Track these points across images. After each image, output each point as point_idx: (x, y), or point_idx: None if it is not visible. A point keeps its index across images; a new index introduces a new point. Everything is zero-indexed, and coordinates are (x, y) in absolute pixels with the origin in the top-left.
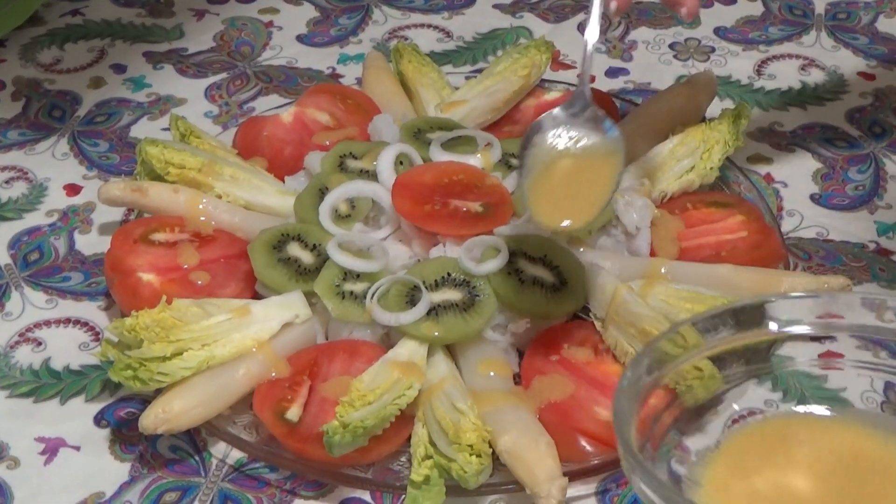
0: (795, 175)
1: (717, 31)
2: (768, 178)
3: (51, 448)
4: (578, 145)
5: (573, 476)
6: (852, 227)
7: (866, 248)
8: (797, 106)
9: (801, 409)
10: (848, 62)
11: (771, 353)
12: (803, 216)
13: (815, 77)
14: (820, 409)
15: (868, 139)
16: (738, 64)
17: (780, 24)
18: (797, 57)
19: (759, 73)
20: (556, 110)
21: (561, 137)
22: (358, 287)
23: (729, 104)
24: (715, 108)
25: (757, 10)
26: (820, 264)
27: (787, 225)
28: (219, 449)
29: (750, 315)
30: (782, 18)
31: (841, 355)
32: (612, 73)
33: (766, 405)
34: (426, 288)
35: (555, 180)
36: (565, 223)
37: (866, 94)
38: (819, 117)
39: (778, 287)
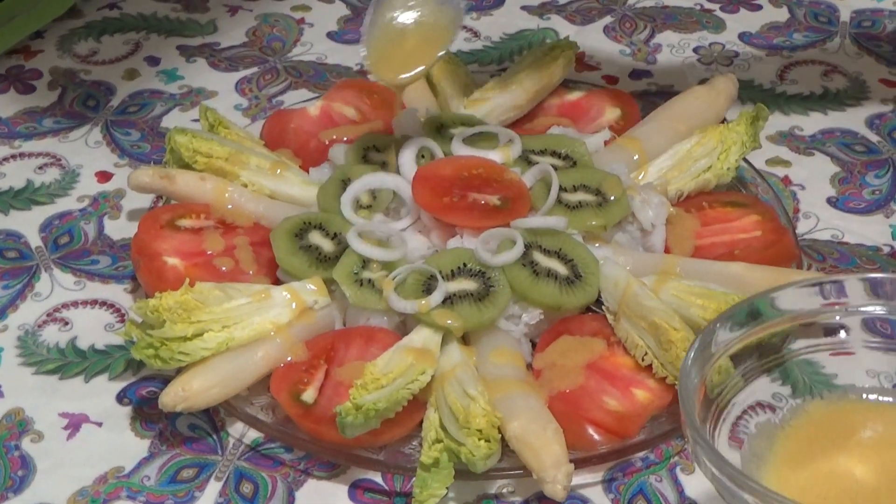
0: (813, 178)
1: (741, 36)
2: (786, 180)
3: (74, 423)
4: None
5: (580, 463)
6: (867, 231)
7: (881, 251)
8: (818, 111)
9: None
10: (870, 69)
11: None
12: (819, 218)
13: (837, 83)
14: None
15: (887, 145)
16: (761, 69)
17: (804, 31)
18: (820, 63)
19: (781, 78)
20: None
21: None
22: (376, 275)
23: (750, 107)
24: (736, 111)
25: (782, 16)
26: (833, 266)
27: (802, 227)
28: (236, 429)
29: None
30: (807, 25)
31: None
32: (635, 75)
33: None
34: (442, 277)
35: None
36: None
37: (887, 101)
38: (839, 122)
39: None
